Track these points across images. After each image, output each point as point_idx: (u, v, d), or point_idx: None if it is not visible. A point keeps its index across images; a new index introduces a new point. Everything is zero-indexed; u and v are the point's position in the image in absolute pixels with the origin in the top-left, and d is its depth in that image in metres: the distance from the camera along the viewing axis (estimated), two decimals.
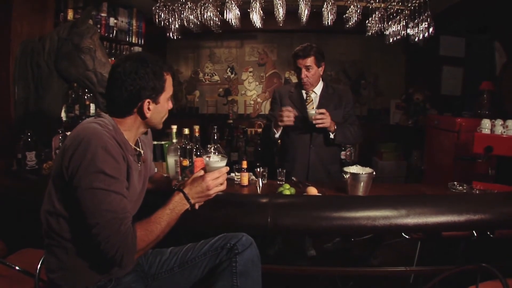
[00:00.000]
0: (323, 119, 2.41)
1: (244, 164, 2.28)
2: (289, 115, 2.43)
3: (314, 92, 2.68)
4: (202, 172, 1.55)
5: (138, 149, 1.50)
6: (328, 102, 2.64)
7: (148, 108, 1.39)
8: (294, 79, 5.21)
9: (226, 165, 1.65)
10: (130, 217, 1.28)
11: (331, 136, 2.53)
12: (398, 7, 2.78)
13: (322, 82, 2.70)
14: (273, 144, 2.73)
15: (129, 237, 1.23)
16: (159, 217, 1.37)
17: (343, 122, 2.63)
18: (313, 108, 2.59)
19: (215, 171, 1.53)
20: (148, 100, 1.38)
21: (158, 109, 1.43)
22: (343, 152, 4.45)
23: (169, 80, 1.44)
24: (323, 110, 2.42)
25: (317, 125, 2.43)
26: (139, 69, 1.34)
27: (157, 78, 1.38)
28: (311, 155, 2.64)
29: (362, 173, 2.05)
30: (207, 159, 1.63)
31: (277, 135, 2.58)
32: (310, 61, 2.55)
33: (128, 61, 1.36)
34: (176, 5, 2.94)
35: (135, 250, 1.26)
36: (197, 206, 1.50)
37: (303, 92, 2.69)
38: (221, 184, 1.52)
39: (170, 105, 1.49)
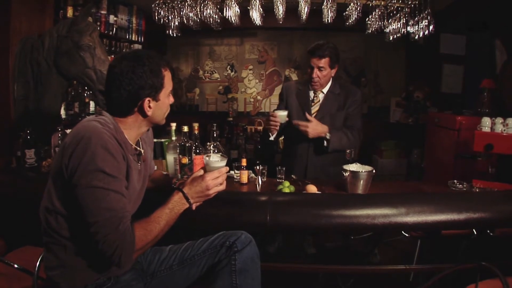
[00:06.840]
0: (305, 127, 2.40)
1: (244, 162, 2.27)
2: (274, 122, 2.48)
3: (322, 92, 2.64)
4: (201, 172, 1.54)
5: (138, 148, 1.49)
6: (331, 104, 2.61)
7: (149, 106, 1.38)
8: (294, 77, 5.20)
9: (226, 164, 1.64)
10: (129, 216, 1.27)
11: (325, 144, 2.47)
12: (398, 5, 2.76)
13: (331, 81, 2.66)
14: (273, 143, 2.70)
15: (128, 236, 1.23)
16: (158, 217, 1.36)
17: (342, 124, 2.60)
18: (315, 112, 2.60)
19: (214, 171, 1.52)
20: (148, 98, 1.37)
21: (159, 106, 1.42)
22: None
23: (167, 76, 1.42)
24: (304, 123, 2.42)
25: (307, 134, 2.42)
26: (136, 68, 1.32)
27: (155, 76, 1.36)
28: (310, 155, 2.62)
29: (361, 171, 2.05)
30: (207, 158, 1.63)
31: (271, 138, 2.58)
32: (324, 62, 2.50)
33: (124, 61, 1.34)
34: (175, 2, 2.93)
35: (133, 250, 1.26)
36: (194, 207, 1.49)
37: (311, 91, 2.65)
38: (221, 184, 1.51)
39: (171, 99, 1.48)
